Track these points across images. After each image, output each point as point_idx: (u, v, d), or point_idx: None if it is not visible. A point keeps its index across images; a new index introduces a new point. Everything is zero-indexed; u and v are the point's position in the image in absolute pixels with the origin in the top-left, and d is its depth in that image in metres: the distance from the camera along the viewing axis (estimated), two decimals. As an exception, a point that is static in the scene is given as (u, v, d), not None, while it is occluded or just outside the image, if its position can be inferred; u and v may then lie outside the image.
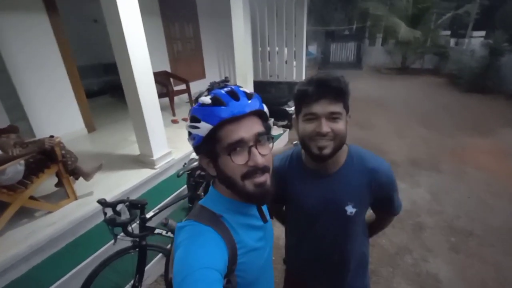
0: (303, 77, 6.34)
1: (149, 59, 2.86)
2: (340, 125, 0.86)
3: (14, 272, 1.97)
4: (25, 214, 2.30)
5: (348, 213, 0.96)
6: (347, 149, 0.98)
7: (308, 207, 1.00)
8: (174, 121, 4.68)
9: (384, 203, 1.03)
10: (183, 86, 5.33)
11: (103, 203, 1.81)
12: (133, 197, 2.81)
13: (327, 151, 0.87)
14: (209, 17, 6.59)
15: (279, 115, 5.21)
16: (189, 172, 2.38)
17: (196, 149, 0.70)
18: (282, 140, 4.82)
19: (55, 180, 2.54)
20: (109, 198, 2.56)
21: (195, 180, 2.41)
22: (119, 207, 1.79)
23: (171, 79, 5.39)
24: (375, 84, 9.98)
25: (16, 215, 2.19)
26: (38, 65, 3.63)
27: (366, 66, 13.72)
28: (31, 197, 2.31)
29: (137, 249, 1.75)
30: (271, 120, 5.05)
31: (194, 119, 0.66)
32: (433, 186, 3.55)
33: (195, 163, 2.35)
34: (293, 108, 1.17)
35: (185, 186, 2.76)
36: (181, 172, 2.30)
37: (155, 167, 3.10)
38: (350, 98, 0.89)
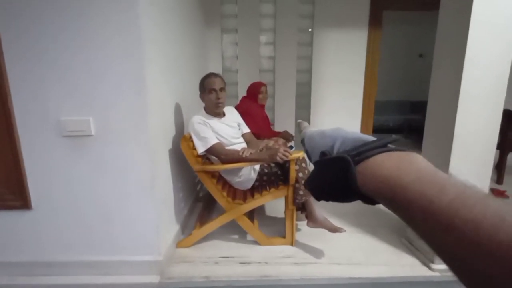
0: None
1: (504, 88, 1.41)
2: None
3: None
4: (240, 229, 1.82)
5: None
6: None
7: None
8: (498, 193, 2.56)
9: None
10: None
11: None
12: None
13: None
14: None
15: None
16: None
17: None
18: None
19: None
20: (321, 281, 1.48)
21: None
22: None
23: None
24: None
25: (234, 223, 1.75)
26: (338, 82, 3.36)
27: None
28: (249, 213, 1.79)
29: None
30: None
31: None
32: None
33: None
34: None
35: None
36: None
37: (434, 266, 1.50)
38: None
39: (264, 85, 2.54)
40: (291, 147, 1.64)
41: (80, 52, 1.28)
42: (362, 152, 0.26)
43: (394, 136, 0.28)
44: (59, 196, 1.42)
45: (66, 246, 1.48)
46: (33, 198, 1.43)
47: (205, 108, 1.78)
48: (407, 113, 5.98)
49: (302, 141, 0.41)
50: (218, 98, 1.70)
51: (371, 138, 0.29)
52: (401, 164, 0.24)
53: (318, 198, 0.32)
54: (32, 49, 1.27)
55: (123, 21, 1.26)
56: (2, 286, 1.48)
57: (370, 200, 0.26)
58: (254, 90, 2.49)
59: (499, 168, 2.91)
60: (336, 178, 0.27)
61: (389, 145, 0.27)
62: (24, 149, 1.37)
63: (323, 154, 0.31)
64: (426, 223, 0.20)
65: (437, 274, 1.49)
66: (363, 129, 3.56)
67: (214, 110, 1.74)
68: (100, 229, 1.46)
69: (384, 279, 1.49)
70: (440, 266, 1.49)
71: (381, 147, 0.26)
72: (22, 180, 1.40)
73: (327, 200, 0.30)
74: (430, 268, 1.51)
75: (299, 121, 0.48)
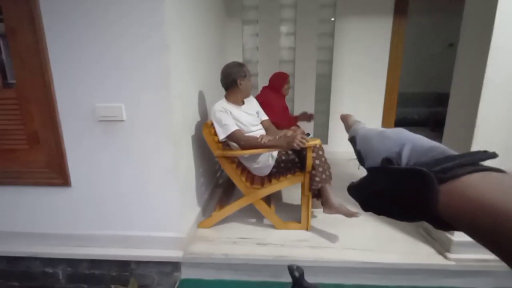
0: None
1: None
2: None
3: (192, 270, 1.61)
4: (258, 212, 1.90)
5: None
6: None
7: None
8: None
9: None
10: None
11: (295, 278, 0.87)
12: None
13: None
14: None
15: None
16: None
17: None
18: None
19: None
20: (334, 264, 1.53)
21: None
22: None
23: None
24: None
25: (251, 208, 1.84)
26: (359, 74, 3.30)
27: None
28: (266, 199, 1.86)
29: None
30: None
31: None
32: None
33: None
34: None
35: None
36: None
37: (450, 256, 1.51)
38: None
39: (289, 76, 2.57)
40: (308, 134, 1.68)
41: (113, 47, 1.39)
42: (448, 168, 0.22)
43: (490, 152, 0.23)
44: (94, 175, 1.57)
45: (101, 221, 1.64)
46: (72, 177, 1.59)
47: (226, 96, 1.86)
48: (434, 105, 5.74)
49: (352, 140, 0.34)
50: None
51: (448, 148, 0.24)
52: (506, 189, 0.19)
53: (367, 209, 0.27)
54: (73, 46, 1.40)
55: (150, 13, 1.35)
56: (42, 254, 1.67)
57: (445, 225, 0.22)
58: (279, 81, 2.50)
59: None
60: (405, 193, 0.23)
61: (481, 163, 0.23)
62: (65, 133, 1.53)
63: (387, 161, 0.26)
64: None
65: (452, 263, 1.49)
66: (385, 122, 3.50)
67: (246, 96, 1.89)
68: (129, 207, 1.60)
69: (398, 265, 1.52)
70: (456, 256, 1.49)
71: (471, 164, 0.22)
72: (63, 161, 1.56)
73: (378, 213, 0.26)
74: (445, 257, 1.52)
75: (345, 114, 0.42)
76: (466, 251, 1.47)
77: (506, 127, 1.42)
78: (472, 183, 0.20)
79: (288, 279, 1.29)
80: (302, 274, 0.91)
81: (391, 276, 1.53)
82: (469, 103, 1.45)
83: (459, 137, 1.52)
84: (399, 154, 0.26)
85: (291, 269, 0.92)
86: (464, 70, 1.52)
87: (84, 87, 1.46)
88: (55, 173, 1.59)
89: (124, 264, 1.65)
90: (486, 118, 1.40)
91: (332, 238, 1.73)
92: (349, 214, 1.62)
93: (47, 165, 1.59)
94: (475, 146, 1.44)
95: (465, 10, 1.50)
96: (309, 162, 1.65)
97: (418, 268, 1.51)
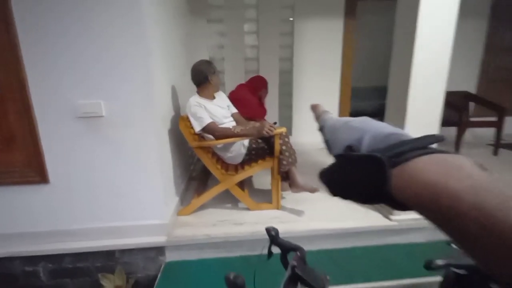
0: None
1: (446, 73, 1.73)
2: None
3: (176, 253, 1.77)
4: (233, 199, 2.09)
5: None
6: None
7: None
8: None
9: None
10: (489, 118, 3.36)
11: (272, 236, 1.06)
12: (341, 256, 1.80)
13: None
14: None
15: None
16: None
17: None
18: None
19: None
20: (302, 234, 1.78)
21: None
22: (294, 265, 0.89)
23: (470, 104, 3.60)
24: None
25: (227, 195, 2.03)
26: (317, 70, 3.63)
27: None
28: (240, 185, 2.06)
29: None
30: None
31: None
32: None
33: None
34: None
35: None
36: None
37: (392, 217, 1.85)
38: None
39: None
40: (275, 123, 1.91)
41: (91, 45, 1.47)
42: (400, 153, 0.23)
43: (437, 135, 0.25)
44: (75, 171, 1.63)
45: (85, 215, 1.70)
46: (51, 174, 1.62)
47: (198, 92, 2.01)
48: (384, 98, 6.38)
49: (321, 129, 0.38)
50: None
51: (406, 133, 0.26)
52: (448, 169, 0.21)
53: (335, 194, 0.30)
54: (46, 40, 1.45)
55: (129, 8, 1.45)
56: (23, 253, 1.69)
57: (400, 205, 0.24)
58: (260, 85, 2.70)
59: (457, 144, 3.34)
60: (364, 178, 0.25)
61: (431, 146, 0.24)
62: (42, 131, 1.56)
63: (349, 148, 0.28)
64: (485, 239, 0.17)
65: (395, 223, 1.84)
66: (341, 114, 3.89)
67: (216, 91, 2.05)
68: (113, 199, 1.68)
69: (353, 229, 1.82)
70: (397, 217, 1.84)
71: (422, 148, 0.24)
72: (40, 158, 1.59)
73: (345, 197, 0.28)
74: (389, 219, 1.86)
75: (314, 104, 0.43)
76: (404, 212, 1.82)
77: (431, 110, 1.78)
78: (420, 165, 0.22)
79: (264, 251, 1.52)
80: (277, 233, 1.13)
81: (348, 239, 1.83)
82: (401, 92, 1.78)
83: (395, 121, 1.86)
84: (360, 142, 0.28)
85: (268, 229, 1.12)
86: (397, 64, 1.86)
87: (60, 85, 1.51)
88: (33, 171, 1.61)
89: (108, 254, 1.74)
90: (414, 104, 1.74)
91: (299, 213, 1.99)
92: (313, 190, 1.89)
93: (25, 164, 1.60)
94: (408, 128, 1.78)
95: (397, 13, 1.84)
96: (277, 148, 1.88)
97: (368, 230, 1.84)
